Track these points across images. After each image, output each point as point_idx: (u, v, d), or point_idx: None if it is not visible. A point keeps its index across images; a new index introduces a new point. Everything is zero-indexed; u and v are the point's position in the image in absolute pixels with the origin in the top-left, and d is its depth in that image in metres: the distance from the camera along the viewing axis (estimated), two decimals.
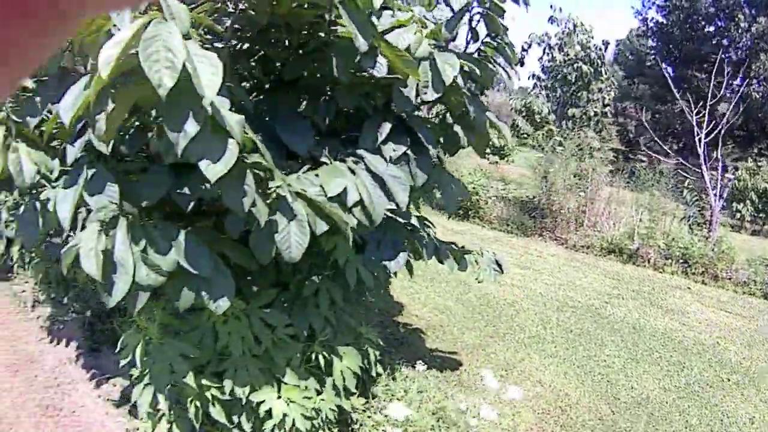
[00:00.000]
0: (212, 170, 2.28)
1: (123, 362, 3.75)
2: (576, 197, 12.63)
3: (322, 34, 3.43)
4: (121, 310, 6.31)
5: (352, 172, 3.22)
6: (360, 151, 3.38)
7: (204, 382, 3.54)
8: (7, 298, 8.01)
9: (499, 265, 4.99)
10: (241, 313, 3.48)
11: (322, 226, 2.91)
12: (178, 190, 2.88)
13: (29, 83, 3.26)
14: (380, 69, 3.17)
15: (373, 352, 4.59)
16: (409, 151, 3.56)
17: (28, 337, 6.80)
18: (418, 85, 3.44)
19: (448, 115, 3.99)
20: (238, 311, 3.44)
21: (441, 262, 4.49)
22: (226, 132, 2.36)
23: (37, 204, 3.31)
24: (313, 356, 3.96)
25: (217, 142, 2.32)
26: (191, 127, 2.20)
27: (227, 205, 2.59)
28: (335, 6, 2.97)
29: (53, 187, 3.39)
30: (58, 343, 6.54)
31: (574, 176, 12.93)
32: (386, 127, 3.51)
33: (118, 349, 3.80)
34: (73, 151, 3.21)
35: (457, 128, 3.94)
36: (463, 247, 4.84)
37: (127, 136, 3.18)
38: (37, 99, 3.32)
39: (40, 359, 6.28)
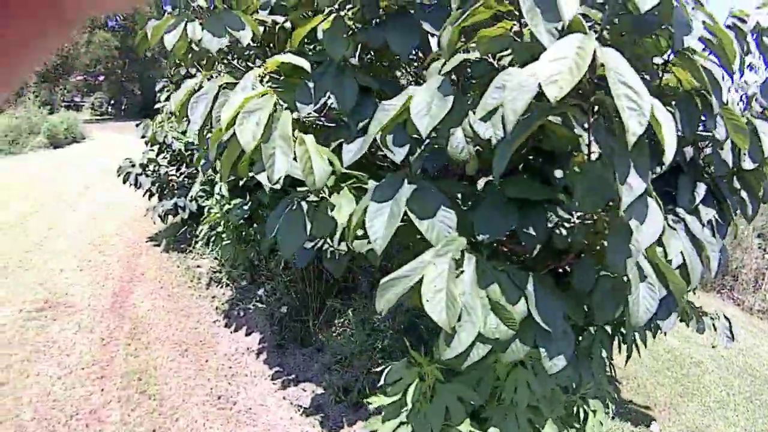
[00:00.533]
0: (644, 234, 1.92)
1: (390, 399, 3.34)
2: (758, 258, 11.74)
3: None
4: (318, 312, 6.02)
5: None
6: (679, 210, 2.97)
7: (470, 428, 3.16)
8: (179, 270, 7.91)
9: (732, 333, 4.56)
10: (528, 360, 3.10)
11: (662, 292, 2.46)
12: (524, 229, 2.50)
13: (304, 64, 2.92)
14: (720, 132, 2.75)
15: (612, 406, 4.21)
16: (717, 216, 3.20)
17: (200, 316, 6.60)
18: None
19: (735, 179, 3.53)
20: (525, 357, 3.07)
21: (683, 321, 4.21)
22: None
23: (304, 204, 2.99)
24: (574, 409, 3.67)
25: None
26: (638, 184, 1.81)
27: (610, 262, 2.17)
28: (685, 52, 2.55)
29: (333, 191, 3.06)
30: (236, 330, 6.28)
31: (758, 236, 12.05)
32: (702, 188, 3.15)
33: (381, 381, 3.42)
34: (351, 152, 2.89)
35: (744, 195, 3.49)
36: (700, 307, 4.54)
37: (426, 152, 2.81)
38: (311, 84, 3.02)
39: (212, 343, 6.05)
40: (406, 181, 2.49)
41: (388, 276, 2.23)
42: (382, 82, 3.24)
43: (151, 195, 8.81)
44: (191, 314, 6.64)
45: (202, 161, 3.84)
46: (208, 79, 3.20)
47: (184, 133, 8.18)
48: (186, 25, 3.38)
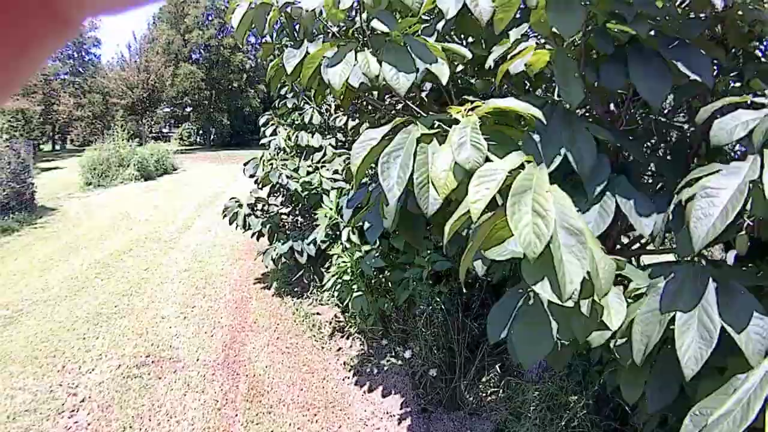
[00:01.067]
0: None
1: None
2: None
3: None
4: (465, 369, 5.30)
5: None
6: None
7: None
8: (295, 317, 7.28)
9: None
10: None
11: None
12: None
13: (535, 112, 2.17)
14: None
15: None
16: None
17: (326, 372, 5.92)
18: None
19: None
20: None
21: None
22: None
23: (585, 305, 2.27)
24: None
25: None
26: None
27: None
28: None
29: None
30: (370, 391, 5.58)
31: None
32: None
33: None
34: (590, 224, 2.33)
35: None
36: None
37: None
38: (537, 138, 2.39)
39: (344, 405, 5.37)
40: (710, 279, 1.95)
41: (712, 415, 1.72)
42: (618, 135, 2.69)
43: (260, 236, 8.23)
44: (315, 370, 5.97)
45: (366, 225, 3.09)
46: (393, 130, 2.44)
47: (296, 170, 7.57)
48: (356, 56, 2.69)
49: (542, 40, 2.65)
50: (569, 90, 2.31)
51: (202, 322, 7.17)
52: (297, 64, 3.06)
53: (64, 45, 0.37)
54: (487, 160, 2.00)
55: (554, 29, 2.31)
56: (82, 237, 11.78)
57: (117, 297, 8.03)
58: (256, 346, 6.48)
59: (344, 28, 3.60)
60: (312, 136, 7.97)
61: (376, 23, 2.68)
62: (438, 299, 5.39)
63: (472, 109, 2.22)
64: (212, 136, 43.01)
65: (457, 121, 2.21)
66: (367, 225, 3.03)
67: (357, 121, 6.98)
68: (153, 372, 5.82)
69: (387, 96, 4.07)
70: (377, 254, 5.46)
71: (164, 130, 47.77)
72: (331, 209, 6.22)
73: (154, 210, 15.02)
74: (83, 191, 18.61)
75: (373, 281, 5.86)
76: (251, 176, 8.08)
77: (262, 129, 8.76)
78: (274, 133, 8.47)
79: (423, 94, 3.84)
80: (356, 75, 2.69)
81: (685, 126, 3.60)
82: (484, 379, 5.07)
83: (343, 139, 8.31)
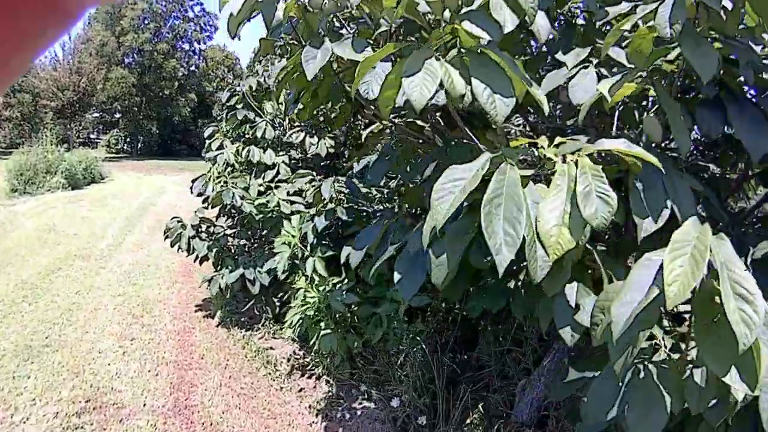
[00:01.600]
0: None
1: None
2: None
3: None
4: (447, 411, 4.80)
5: None
6: None
7: None
8: (246, 352, 6.60)
9: None
10: None
11: None
12: None
13: (650, 158, 1.74)
14: None
15: None
16: None
17: (289, 417, 5.28)
18: None
19: None
20: None
21: None
22: None
23: (652, 368, 1.99)
24: None
25: None
26: None
27: None
28: None
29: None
30: None
31: None
32: None
33: None
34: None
35: None
36: None
37: None
38: (639, 186, 2.04)
39: None
40: None
41: None
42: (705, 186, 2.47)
43: (203, 260, 7.52)
44: (277, 414, 5.33)
45: (396, 275, 2.55)
46: (493, 164, 1.91)
47: (247, 189, 6.87)
48: (438, 67, 2.09)
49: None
50: (680, 135, 1.91)
51: (144, 358, 6.43)
52: (321, 67, 2.49)
53: (62, 36, 0.32)
54: None
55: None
56: (7, 251, 10.84)
57: (47, 326, 7.20)
58: (208, 387, 5.79)
59: (356, 31, 3.02)
60: (264, 152, 7.28)
61: (469, 26, 2.10)
62: (418, 338, 4.89)
63: (556, 145, 1.86)
64: (140, 145, 42.19)
65: (539, 159, 1.97)
66: (397, 276, 2.49)
67: (316, 138, 6.43)
68: (96, 421, 5.04)
69: (394, 116, 3.50)
70: (346, 288, 4.91)
71: (92, 136, 46.76)
72: (293, 236, 5.60)
73: (82, 223, 14.14)
74: (9, 198, 17.57)
75: (337, 316, 5.33)
76: (199, 195, 7.38)
77: (208, 142, 8.02)
78: (221, 147, 7.73)
79: (437, 115, 3.33)
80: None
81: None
82: (468, 421, 4.61)
83: (297, 157, 7.69)
